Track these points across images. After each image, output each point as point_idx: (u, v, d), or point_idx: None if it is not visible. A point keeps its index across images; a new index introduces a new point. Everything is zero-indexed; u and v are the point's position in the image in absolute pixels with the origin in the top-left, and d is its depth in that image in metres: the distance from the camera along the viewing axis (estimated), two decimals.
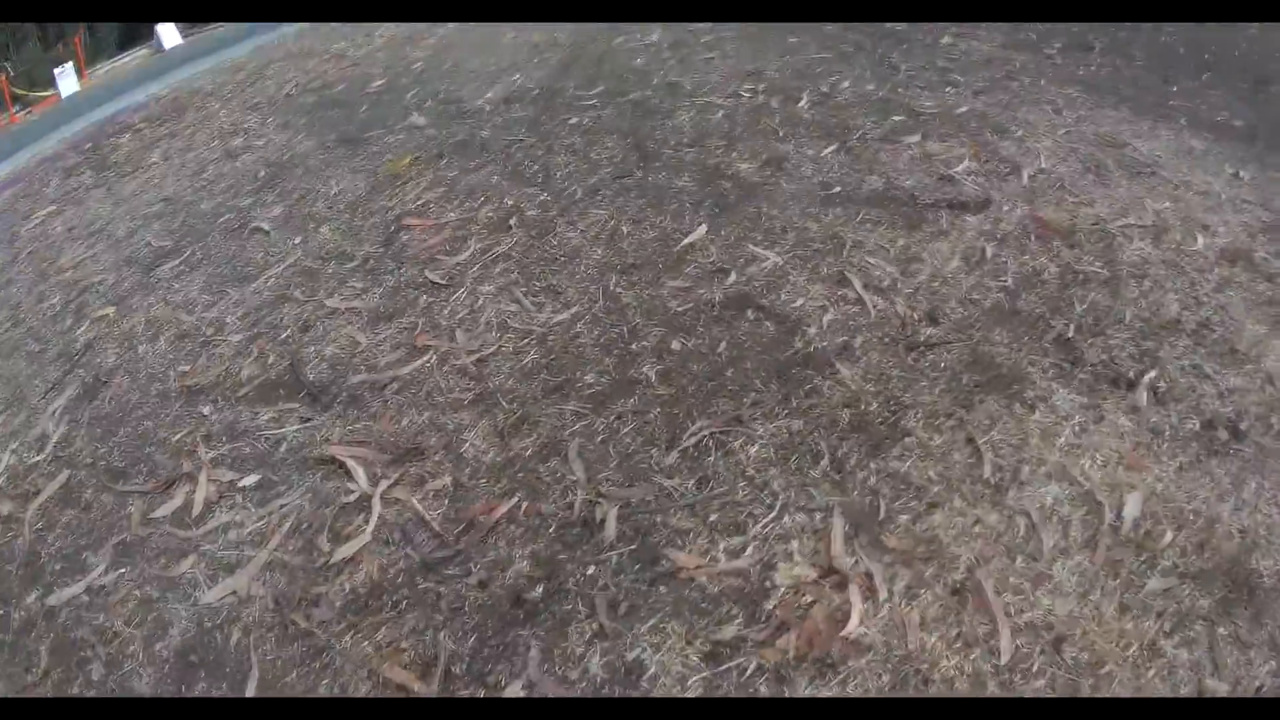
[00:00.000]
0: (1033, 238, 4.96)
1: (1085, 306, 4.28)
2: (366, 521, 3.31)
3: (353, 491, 3.45)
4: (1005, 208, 5.31)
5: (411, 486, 3.41)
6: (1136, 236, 5.18)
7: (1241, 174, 6.75)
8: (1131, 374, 3.79)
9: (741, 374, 3.75)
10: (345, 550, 3.23)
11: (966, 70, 8.58)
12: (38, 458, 4.24)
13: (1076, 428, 3.48)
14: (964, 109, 7.22)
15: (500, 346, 4.11)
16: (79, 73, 20.80)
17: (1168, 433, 3.52)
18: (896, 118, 6.86)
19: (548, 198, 5.53)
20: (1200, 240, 5.29)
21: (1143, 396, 3.67)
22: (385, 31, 12.13)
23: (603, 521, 3.20)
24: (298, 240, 5.61)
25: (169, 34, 24.22)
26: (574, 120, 6.96)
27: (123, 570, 3.48)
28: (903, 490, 3.23)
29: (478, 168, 6.20)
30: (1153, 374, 3.82)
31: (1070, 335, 4.00)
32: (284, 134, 8.14)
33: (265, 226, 5.98)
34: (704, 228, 4.90)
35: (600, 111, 7.12)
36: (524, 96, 7.80)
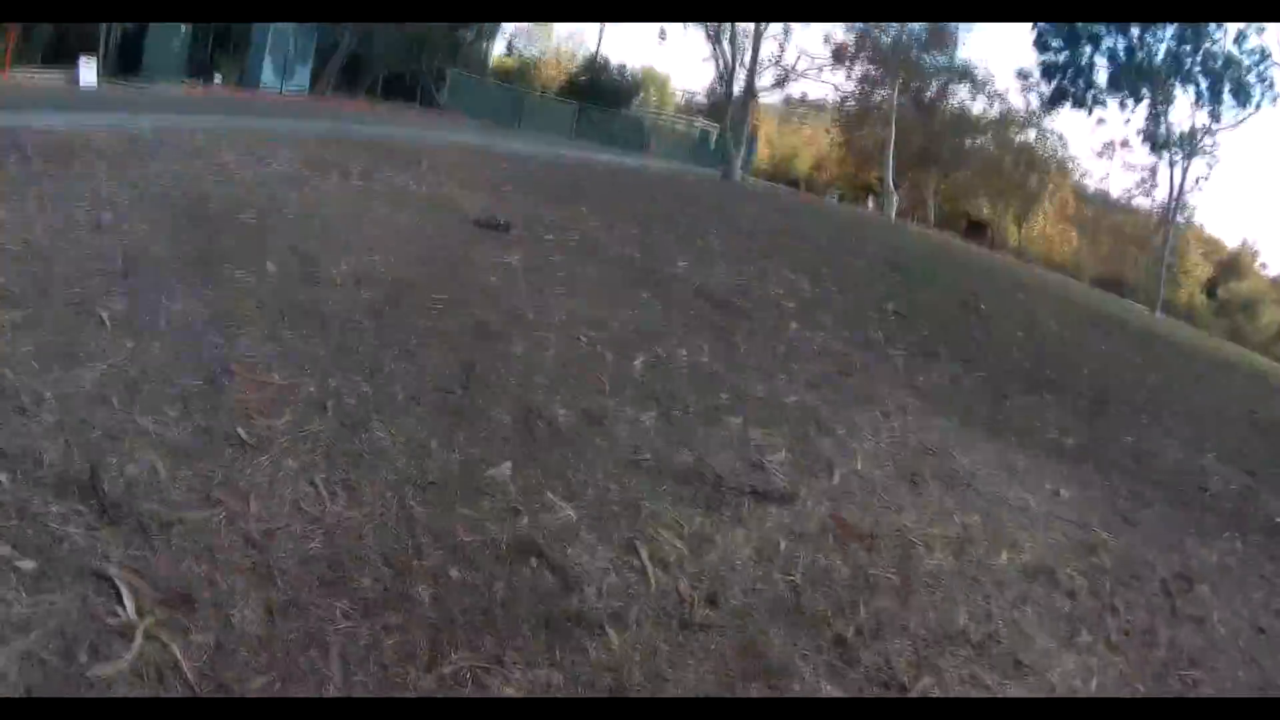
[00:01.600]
0: (831, 538, 5.05)
1: (870, 611, 4.32)
2: (127, 650, 3.16)
3: (119, 616, 3.31)
4: (810, 504, 5.42)
5: (175, 632, 3.29)
6: (938, 547, 5.30)
7: (1062, 492, 7.12)
8: (905, 679, 3.80)
9: (513, 617, 3.70)
10: (100, 670, 3.08)
11: (805, 360, 8.88)
12: None
13: None
14: (793, 399, 7.45)
15: (289, 525, 4.02)
16: (1, 67, 20.73)
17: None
18: (723, 396, 7.04)
19: (369, 391, 5.53)
20: (1004, 555, 5.44)
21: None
22: (279, 160, 12.46)
23: None
24: (130, 345, 5.49)
25: (87, 71, 24.24)
26: (414, 321, 7.05)
27: None
28: None
29: (310, 338, 6.21)
30: (927, 680, 3.85)
31: (849, 637, 4.02)
32: (150, 230, 8.12)
33: (105, 319, 5.83)
34: (509, 465, 4.92)
35: (441, 320, 7.26)
36: (375, 280, 7.90)
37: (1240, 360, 31.09)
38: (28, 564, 3.48)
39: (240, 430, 4.72)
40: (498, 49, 57.10)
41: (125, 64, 29.90)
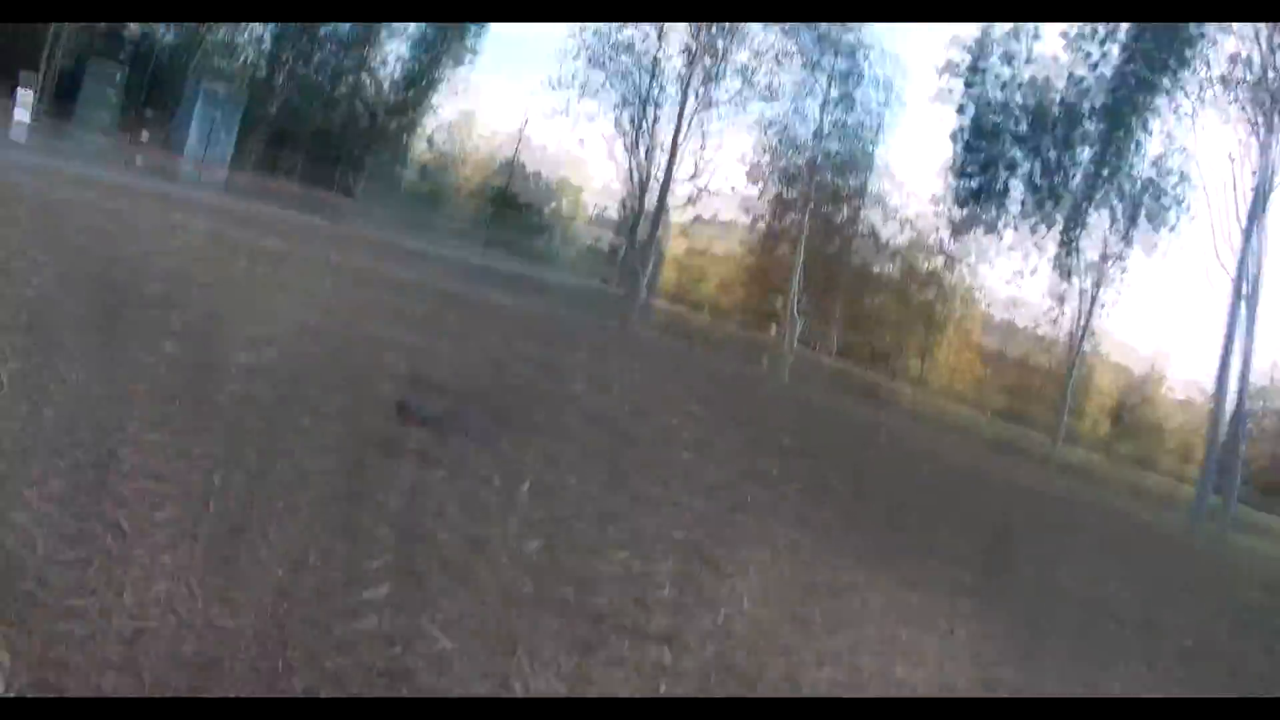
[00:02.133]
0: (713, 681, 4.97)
1: None
2: None
3: None
4: (693, 645, 5.38)
5: None
6: (825, 690, 5.22)
7: (956, 630, 7.16)
8: None
9: None
10: None
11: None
12: None
13: None
14: (680, 534, 7.39)
15: (160, 625, 4.04)
16: None
17: None
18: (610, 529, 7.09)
19: (255, 494, 5.64)
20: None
21: None
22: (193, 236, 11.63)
23: None
24: (24, 409, 5.76)
25: (22, 110, 23.70)
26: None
27: None
28: None
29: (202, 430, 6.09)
30: None
31: None
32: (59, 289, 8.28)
33: (2, 379, 6.04)
34: (386, 587, 4.93)
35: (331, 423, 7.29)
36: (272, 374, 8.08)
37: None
38: None
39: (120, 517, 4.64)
40: (419, 144, 57.70)
41: (60, 100, 29.82)
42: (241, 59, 48.59)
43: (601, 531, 6.86)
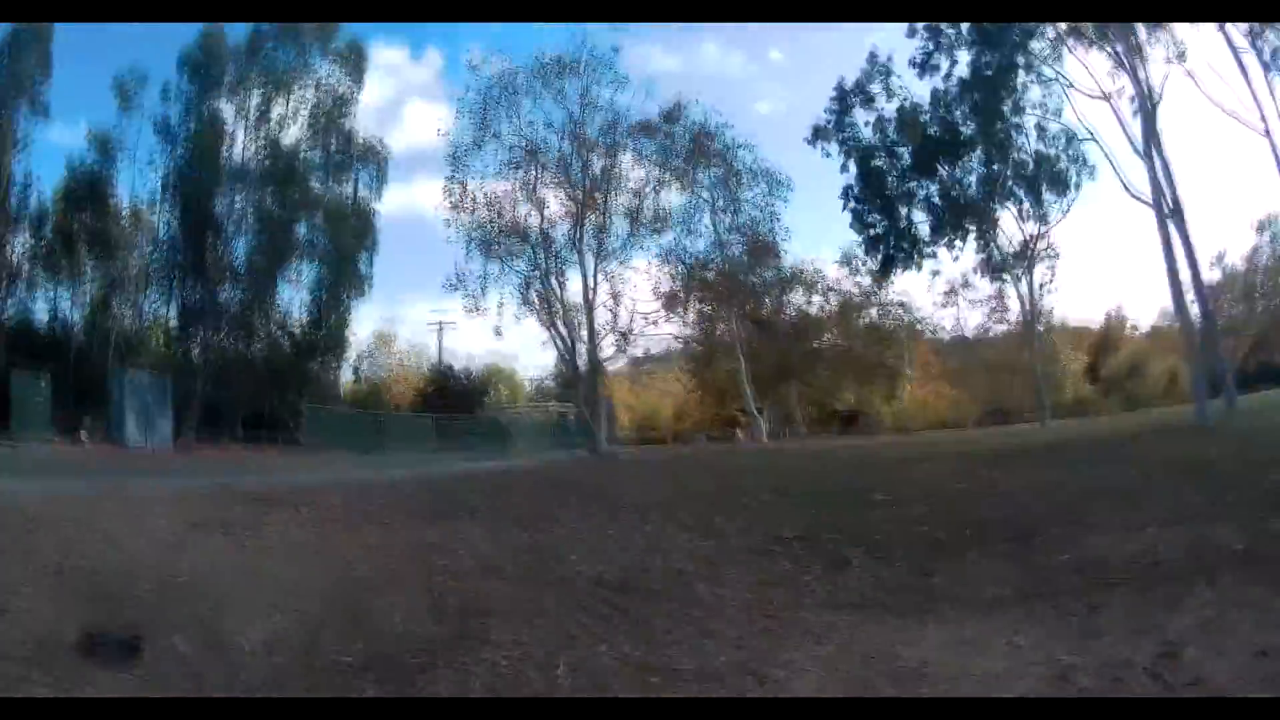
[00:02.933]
0: None
1: None
2: None
3: None
4: None
5: None
6: None
7: (1018, 640, 7.24)
8: None
9: None
10: None
11: (724, 619, 8.90)
12: None
13: None
14: (722, 660, 7.47)
15: None
16: None
17: None
18: (653, 679, 7.06)
19: None
20: None
21: None
22: (160, 523, 12.65)
23: None
24: None
25: None
26: (331, 683, 7.04)
27: None
28: None
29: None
30: None
31: None
32: (53, 609, 8.16)
33: None
34: None
35: (355, 678, 7.18)
36: (284, 643, 7.87)
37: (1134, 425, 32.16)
38: None
39: None
40: (346, 375, 58.36)
41: None
42: (153, 342, 49.19)
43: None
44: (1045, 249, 52.64)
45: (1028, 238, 51.52)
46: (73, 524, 11.97)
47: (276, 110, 54.00)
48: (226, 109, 53.91)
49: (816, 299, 65.52)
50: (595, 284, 42.44)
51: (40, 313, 47.23)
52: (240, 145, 53.56)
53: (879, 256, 55.28)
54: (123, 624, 7.74)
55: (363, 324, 69.67)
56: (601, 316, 43.20)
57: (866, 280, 62.62)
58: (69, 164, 52.12)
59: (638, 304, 44.98)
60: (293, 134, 54.65)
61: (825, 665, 7.09)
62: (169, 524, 12.82)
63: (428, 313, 62.25)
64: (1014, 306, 57.14)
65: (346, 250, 54.47)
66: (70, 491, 15.36)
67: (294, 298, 53.48)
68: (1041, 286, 53.69)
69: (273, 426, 46.28)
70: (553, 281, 42.60)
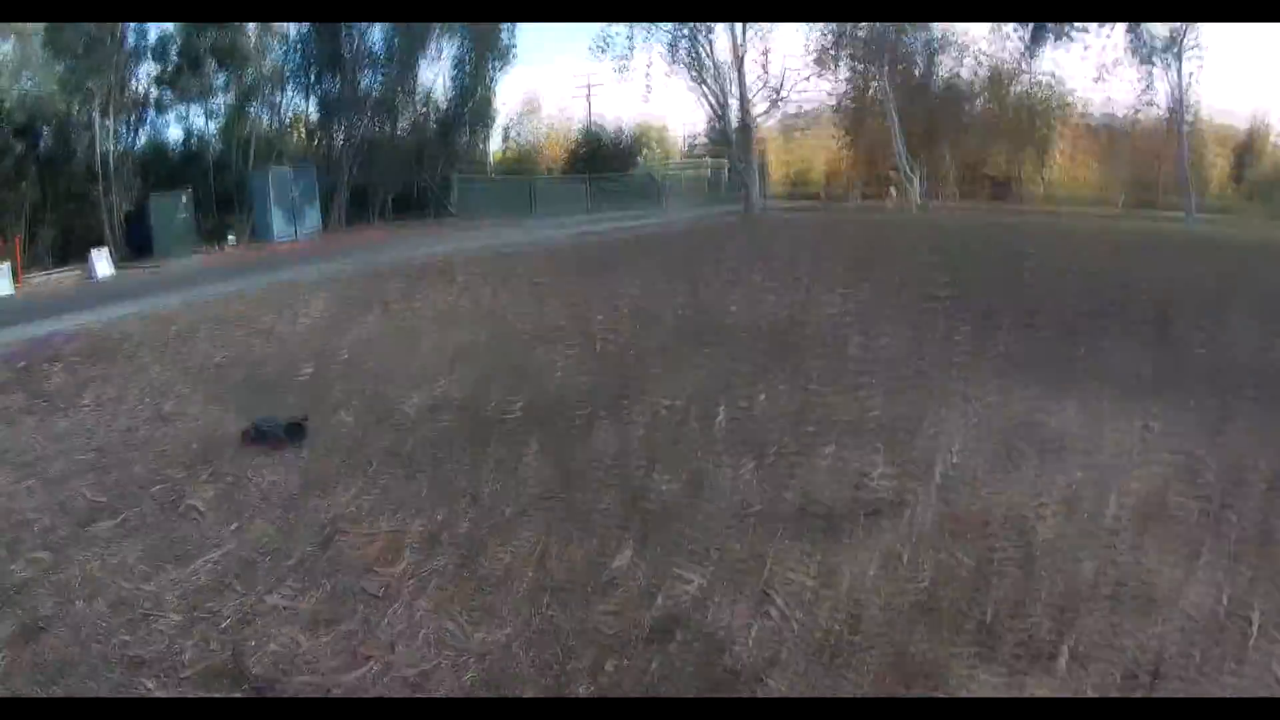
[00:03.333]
0: (948, 534, 5.26)
1: (1003, 592, 4.55)
2: None
3: None
4: (919, 509, 5.63)
5: None
6: (1050, 515, 5.52)
7: (1151, 424, 7.28)
8: (1050, 649, 4.03)
9: (675, 689, 3.92)
10: None
11: (876, 371, 9.03)
12: None
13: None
14: (875, 413, 7.64)
15: (439, 662, 4.23)
16: (15, 275, 21.18)
17: (1088, 689, 3.80)
18: (810, 428, 7.23)
19: (477, 515, 5.74)
20: (1113, 502, 5.64)
21: (1062, 664, 3.93)
22: (310, 314, 12.87)
23: None
24: (233, 527, 5.76)
25: (102, 263, 24.75)
26: (498, 438, 7.21)
27: None
28: None
29: (407, 478, 6.45)
30: (1070, 642, 4.07)
31: (989, 621, 4.26)
32: (216, 408, 8.42)
33: (200, 507, 6.11)
34: (630, 551, 5.13)
35: (520, 428, 7.45)
36: (448, 405, 8.16)
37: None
38: None
39: (365, 585, 4.97)
40: (495, 145, 58.23)
41: (136, 247, 30.63)
42: (294, 138, 49.59)
43: None
44: (1193, 41, 49.90)
45: (1174, 27, 48.91)
46: (226, 323, 12.50)
47: None
48: None
49: (968, 63, 63.39)
50: (744, 41, 41.70)
51: (174, 135, 47.85)
52: None
53: (1029, 26, 53.25)
54: (286, 408, 8.07)
55: (509, 93, 68.73)
56: (752, 74, 42.57)
57: (1018, 49, 60.23)
58: None
59: (789, 61, 44.06)
60: None
61: (973, 427, 7.19)
62: (324, 307, 13.35)
63: (576, 78, 61.25)
64: (1162, 96, 54.35)
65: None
66: (218, 294, 15.78)
67: (437, 75, 53.39)
68: (1190, 76, 51.16)
69: (423, 202, 46.81)
70: (701, 39, 41.89)
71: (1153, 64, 51.73)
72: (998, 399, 7.99)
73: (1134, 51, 51.19)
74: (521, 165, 57.09)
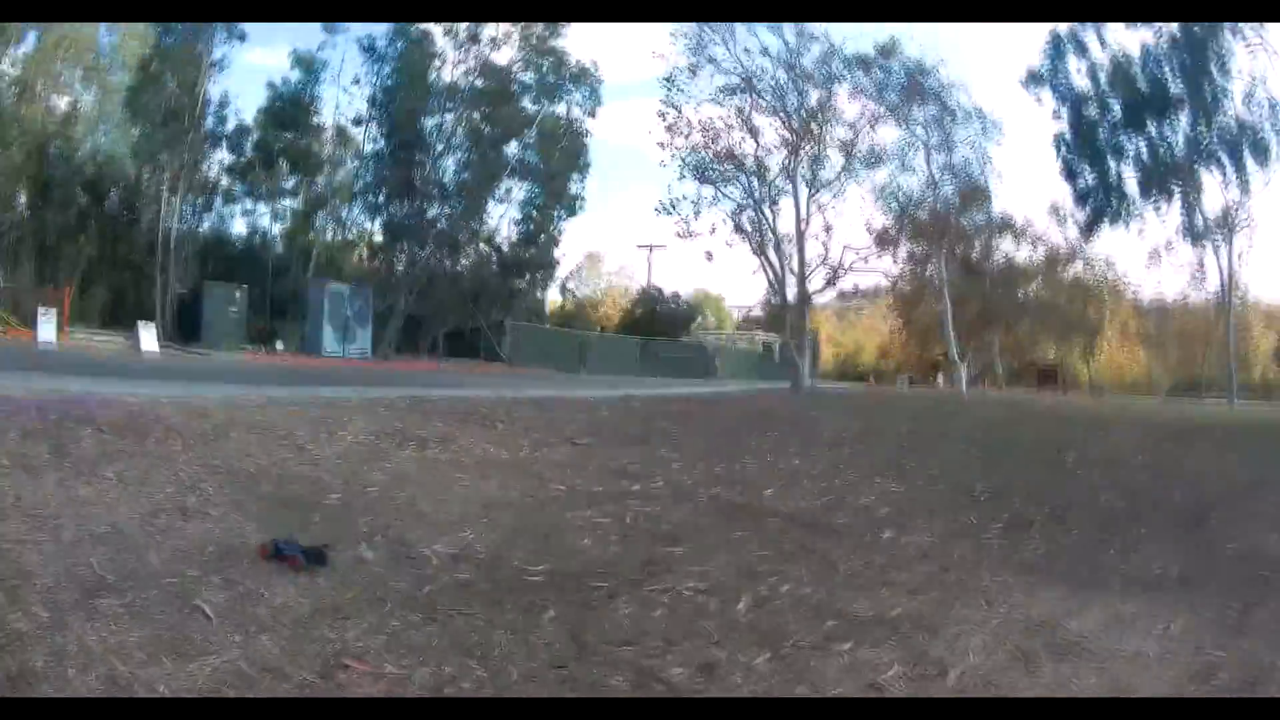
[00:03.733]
0: None
1: None
2: None
3: None
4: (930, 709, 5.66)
5: None
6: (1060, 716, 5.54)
7: (1171, 627, 7.30)
8: None
9: None
10: None
11: (904, 567, 9.10)
12: None
13: None
14: (898, 610, 7.63)
15: None
16: (60, 327, 21.26)
17: None
18: (830, 623, 7.21)
19: (484, 675, 5.70)
20: None
21: None
22: (347, 437, 12.85)
23: None
24: (237, 638, 5.71)
25: (148, 337, 25.02)
26: (516, 599, 7.19)
27: None
28: None
29: (420, 624, 6.43)
30: None
31: None
32: (237, 516, 8.34)
33: (208, 610, 6.05)
34: None
35: (541, 593, 7.41)
36: (472, 557, 8.13)
37: None
38: None
39: None
40: (552, 295, 59.41)
41: (183, 330, 31.33)
42: (355, 257, 50.75)
43: None
44: (1245, 219, 50.91)
45: (1229, 203, 49.89)
46: (262, 430, 12.56)
47: (487, 31, 54.81)
48: (435, 29, 55.13)
49: (1025, 248, 64.48)
50: (808, 215, 42.86)
51: (238, 228, 49.32)
52: (450, 65, 55.39)
53: (1087, 209, 54.48)
54: (308, 529, 8.15)
55: (571, 243, 70.65)
56: (813, 249, 43.58)
57: (1072, 233, 61.35)
58: (271, 84, 54.31)
59: (850, 239, 45.31)
60: (504, 54, 55.80)
61: (993, 629, 7.20)
62: (362, 433, 13.43)
63: (637, 235, 63.15)
64: (1212, 276, 55.15)
65: (558, 169, 55.53)
66: (260, 398, 16.00)
67: (503, 215, 54.73)
68: (1240, 256, 51.97)
69: (474, 342, 47.75)
70: (765, 210, 43.27)
71: (1203, 245, 52.80)
72: (1020, 599, 8.02)
73: (1187, 230, 52.27)
74: (577, 318, 58.10)
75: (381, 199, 52.50)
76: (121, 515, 7.85)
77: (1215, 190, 50.18)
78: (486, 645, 6.24)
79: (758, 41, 42.76)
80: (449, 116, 53.48)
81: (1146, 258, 62.41)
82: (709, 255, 51.13)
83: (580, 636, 6.58)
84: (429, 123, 53.74)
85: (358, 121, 55.48)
